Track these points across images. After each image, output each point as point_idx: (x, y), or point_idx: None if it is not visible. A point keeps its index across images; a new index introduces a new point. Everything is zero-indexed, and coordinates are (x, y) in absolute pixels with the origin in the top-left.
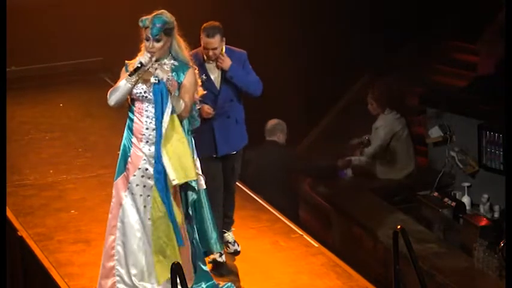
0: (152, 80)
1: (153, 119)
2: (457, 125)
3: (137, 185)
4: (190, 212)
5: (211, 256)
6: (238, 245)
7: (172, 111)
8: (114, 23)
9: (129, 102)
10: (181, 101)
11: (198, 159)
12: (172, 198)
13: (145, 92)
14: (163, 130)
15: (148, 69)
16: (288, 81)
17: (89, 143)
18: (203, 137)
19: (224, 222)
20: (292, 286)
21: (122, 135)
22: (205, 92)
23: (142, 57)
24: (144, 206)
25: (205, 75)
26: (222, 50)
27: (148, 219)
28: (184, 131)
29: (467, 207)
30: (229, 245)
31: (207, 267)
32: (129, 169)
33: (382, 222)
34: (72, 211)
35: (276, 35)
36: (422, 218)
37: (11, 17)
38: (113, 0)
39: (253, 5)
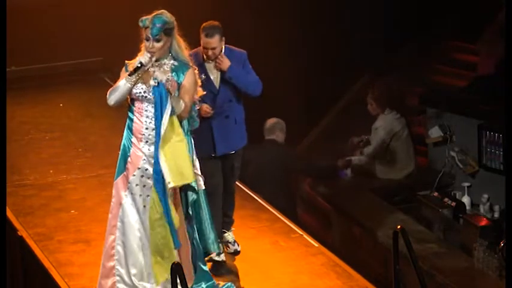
0: (152, 82)
1: (153, 119)
2: (457, 125)
3: (137, 184)
4: (190, 212)
5: (209, 255)
6: (238, 245)
7: (172, 113)
8: (114, 23)
9: (128, 102)
10: (182, 102)
11: (197, 160)
12: (170, 200)
13: (145, 92)
14: (162, 131)
15: (148, 69)
16: (288, 81)
17: (89, 143)
18: (202, 137)
19: (224, 222)
20: (292, 286)
21: (122, 135)
22: (204, 93)
23: (142, 57)
24: (144, 206)
25: (204, 75)
26: (221, 50)
27: (148, 218)
28: (184, 131)
29: (467, 207)
30: (229, 244)
31: (207, 267)
32: (129, 169)
33: (382, 222)
34: (72, 211)
35: (276, 35)
36: (422, 218)
37: (11, 17)
38: (113, 0)
39: (253, 5)
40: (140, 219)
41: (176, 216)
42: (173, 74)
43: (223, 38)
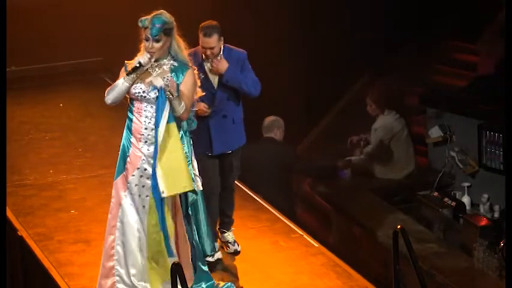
0: (153, 95)
1: (152, 119)
2: (457, 125)
3: (136, 185)
4: (190, 213)
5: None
6: (238, 245)
7: (170, 119)
8: (114, 23)
9: (128, 102)
10: (182, 103)
11: (195, 160)
12: (167, 207)
13: (144, 92)
14: (159, 139)
15: (147, 69)
16: (288, 81)
17: (89, 143)
18: (199, 136)
19: (224, 222)
20: (292, 286)
21: (122, 135)
22: (204, 94)
23: (142, 57)
24: (143, 206)
25: (203, 74)
26: (220, 49)
27: (147, 220)
28: (183, 131)
29: (467, 207)
30: (229, 244)
31: (207, 268)
32: (128, 169)
33: (382, 222)
34: (72, 211)
35: (276, 35)
36: (422, 218)
37: (11, 17)
38: (112, 0)
39: (253, 5)
40: (140, 220)
41: (171, 225)
42: (172, 75)
43: (222, 38)
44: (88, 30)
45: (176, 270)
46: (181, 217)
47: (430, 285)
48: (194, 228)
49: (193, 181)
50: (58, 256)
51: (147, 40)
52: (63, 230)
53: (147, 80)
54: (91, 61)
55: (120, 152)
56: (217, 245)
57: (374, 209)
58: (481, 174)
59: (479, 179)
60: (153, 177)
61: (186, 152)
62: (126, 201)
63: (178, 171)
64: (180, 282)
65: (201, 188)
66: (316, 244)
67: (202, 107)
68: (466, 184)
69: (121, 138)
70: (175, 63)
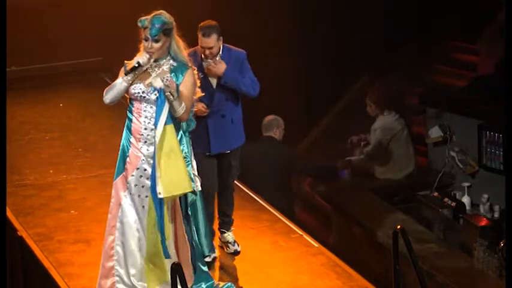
0: (152, 96)
1: (152, 119)
2: (457, 125)
3: (135, 185)
4: (190, 213)
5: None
6: (238, 245)
7: (169, 121)
8: (114, 23)
9: (128, 102)
10: (183, 103)
11: (194, 160)
12: (165, 209)
13: (143, 92)
14: (157, 140)
15: (147, 69)
16: (288, 81)
17: (89, 143)
18: (198, 135)
19: (223, 222)
20: (292, 286)
21: (122, 135)
22: (203, 94)
23: (141, 57)
24: (143, 206)
25: (202, 74)
26: (219, 49)
27: (146, 220)
28: (183, 131)
29: (467, 207)
30: (229, 245)
31: (207, 268)
32: (128, 169)
33: (382, 222)
34: (72, 211)
35: (276, 35)
36: (422, 218)
37: (11, 17)
38: (112, 0)
39: (253, 5)
40: (139, 220)
41: (170, 225)
42: (172, 75)
43: (221, 38)
44: (88, 30)
45: (176, 270)
46: (181, 217)
47: (430, 285)
48: (194, 228)
49: (193, 181)
50: (58, 256)
51: (146, 40)
52: (63, 230)
53: (147, 81)
54: (91, 61)
55: (119, 152)
56: (214, 244)
57: (374, 209)
58: (481, 174)
59: (479, 179)
60: (152, 177)
61: (185, 153)
62: (126, 202)
63: (176, 173)
64: (180, 282)
65: (200, 189)
66: (316, 244)
67: (201, 107)
68: (466, 184)
69: (121, 138)
70: (175, 64)
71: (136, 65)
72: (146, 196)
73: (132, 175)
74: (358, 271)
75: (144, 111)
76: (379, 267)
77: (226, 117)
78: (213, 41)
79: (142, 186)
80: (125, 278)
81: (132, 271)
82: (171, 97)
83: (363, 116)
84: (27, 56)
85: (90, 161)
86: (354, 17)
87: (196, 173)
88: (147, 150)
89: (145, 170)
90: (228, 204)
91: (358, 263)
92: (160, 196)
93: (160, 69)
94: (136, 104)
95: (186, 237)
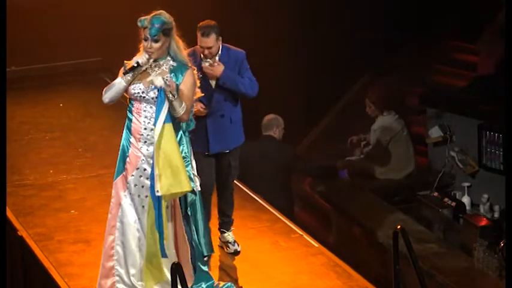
0: (152, 94)
1: (152, 119)
2: (457, 125)
3: (135, 185)
4: (189, 213)
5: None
6: (238, 245)
7: (168, 119)
8: (114, 23)
9: (127, 102)
10: (183, 104)
11: (194, 160)
12: (164, 209)
13: (143, 93)
14: (155, 139)
15: (146, 69)
16: (288, 81)
17: (89, 143)
18: (197, 135)
19: (223, 222)
20: (292, 286)
21: (122, 135)
22: (203, 94)
23: (140, 57)
24: (143, 206)
25: (201, 74)
26: (218, 49)
27: (146, 220)
28: (182, 131)
29: (467, 207)
30: (229, 245)
31: (207, 268)
32: (128, 169)
33: (382, 222)
34: (72, 211)
35: (276, 35)
36: (422, 218)
37: (11, 17)
38: (113, 0)
39: (253, 5)
40: (139, 220)
41: (169, 225)
42: (172, 75)
43: (220, 38)
44: (88, 30)
45: (176, 270)
46: (181, 217)
47: (430, 285)
48: (193, 228)
49: (192, 181)
50: (58, 256)
51: (146, 40)
52: (63, 230)
53: (148, 79)
54: (91, 61)
55: (119, 152)
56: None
57: (374, 209)
58: (481, 174)
59: (479, 179)
60: (151, 176)
61: (185, 153)
62: (126, 201)
63: (175, 172)
64: (180, 282)
65: (200, 189)
66: (316, 244)
67: (200, 107)
68: (466, 184)
69: (121, 138)
70: (174, 64)
71: (136, 65)
72: (146, 196)
73: (132, 175)
74: (358, 271)
75: (144, 111)
76: (379, 267)
77: (225, 117)
78: (212, 41)
79: (142, 186)
80: (125, 278)
81: (132, 271)
82: (172, 97)
83: (362, 116)
84: (27, 56)
85: (90, 161)
86: (354, 17)
87: (195, 173)
88: (147, 150)
89: (145, 170)
90: (228, 204)
91: (358, 263)
92: (158, 194)
93: (160, 69)
94: (136, 104)
95: (186, 238)
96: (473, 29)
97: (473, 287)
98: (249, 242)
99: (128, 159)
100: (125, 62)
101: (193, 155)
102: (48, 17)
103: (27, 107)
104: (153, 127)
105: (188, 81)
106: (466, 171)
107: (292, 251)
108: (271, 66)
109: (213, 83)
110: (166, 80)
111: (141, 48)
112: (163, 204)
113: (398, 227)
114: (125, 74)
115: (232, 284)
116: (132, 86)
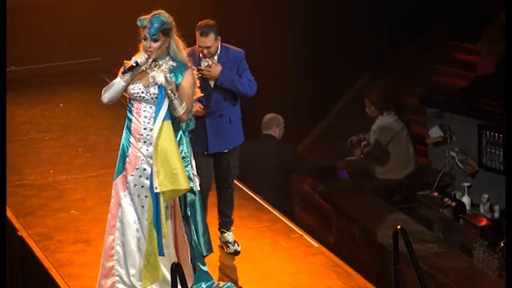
0: (152, 90)
1: (151, 119)
2: (457, 125)
3: (135, 185)
4: (189, 213)
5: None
6: (238, 245)
7: (168, 117)
8: (114, 23)
9: (127, 102)
10: (183, 103)
11: (193, 160)
12: (162, 207)
13: (142, 93)
14: (154, 135)
15: (145, 69)
16: (288, 81)
17: (88, 143)
18: (197, 135)
19: (223, 222)
20: (292, 286)
21: (122, 135)
22: (202, 94)
23: (139, 57)
24: (142, 206)
25: (200, 74)
26: (217, 48)
27: (146, 219)
28: (182, 131)
29: (467, 207)
30: (229, 245)
31: (207, 268)
32: (127, 169)
33: (382, 222)
34: (72, 211)
35: (276, 35)
36: (422, 218)
37: (11, 17)
38: (113, 0)
39: (253, 5)
40: (139, 220)
41: (169, 225)
42: (171, 75)
43: (219, 37)
44: (88, 30)
45: (176, 270)
46: (180, 217)
47: (430, 285)
48: (193, 228)
49: (192, 181)
50: (58, 256)
51: (145, 39)
52: (63, 230)
53: (150, 74)
54: (91, 61)
55: (119, 152)
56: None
57: (374, 209)
58: (481, 174)
59: (479, 179)
60: (151, 176)
61: (185, 153)
62: (126, 201)
63: (173, 169)
64: (180, 282)
65: (199, 189)
66: (316, 244)
67: (198, 107)
68: (466, 184)
69: (121, 138)
70: (174, 64)
71: (134, 65)
72: (146, 196)
73: (132, 175)
74: (358, 271)
75: (144, 111)
76: (379, 267)
77: (224, 117)
78: (210, 41)
79: (142, 186)
80: (125, 278)
81: (132, 271)
82: (172, 95)
83: (362, 116)
84: (27, 56)
85: (90, 161)
86: (354, 17)
87: (195, 173)
88: (147, 150)
89: (144, 169)
90: (227, 204)
91: (358, 263)
92: (156, 190)
93: (160, 69)
94: (136, 104)
95: (186, 238)
96: (473, 29)
97: (473, 287)
98: (249, 242)
99: (127, 159)
100: (125, 61)
101: (193, 155)
102: (48, 17)
103: (27, 107)
104: (152, 127)
105: (188, 81)
106: (466, 171)
107: (292, 251)
108: (271, 66)
109: (211, 83)
110: (167, 77)
111: (141, 48)
112: (162, 201)
113: (398, 227)
114: (123, 73)
115: (232, 284)
116: (131, 86)
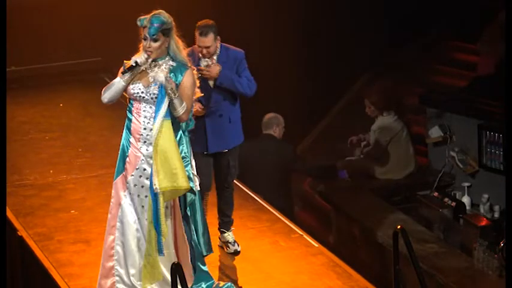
0: (153, 90)
1: (151, 119)
2: (457, 125)
3: (135, 185)
4: (189, 213)
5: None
6: (238, 245)
7: (168, 116)
8: (114, 23)
9: (127, 102)
10: (184, 103)
11: (193, 160)
12: (161, 206)
13: (142, 93)
14: (154, 134)
15: (145, 69)
16: (288, 81)
17: (88, 143)
18: (196, 134)
19: (223, 222)
20: (292, 286)
21: (122, 135)
22: (202, 94)
23: (139, 56)
24: (142, 206)
25: (199, 74)
26: (216, 48)
27: (146, 219)
28: (182, 131)
29: (467, 207)
30: (229, 245)
31: (207, 268)
32: (127, 169)
33: (382, 222)
34: (72, 211)
35: (276, 35)
36: (422, 218)
37: (11, 17)
38: (113, 0)
39: (253, 5)
40: (139, 220)
41: (169, 224)
42: (171, 75)
43: (219, 37)
44: (88, 30)
45: (176, 270)
46: (180, 217)
47: (430, 285)
48: (193, 228)
49: (192, 181)
50: (58, 256)
51: (145, 39)
52: (63, 230)
53: (150, 74)
54: (91, 61)
55: (119, 152)
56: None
57: (374, 209)
58: (481, 174)
59: (479, 179)
60: (151, 176)
61: (185, 153)
62: (126, 201)
63: (173, 168)
64: (180, 282)
65: (199, 188)
66: (316, 244)
67: (198, 107)
68: (466, 184)
69: (121, 138)
70: (174, 64)
71: (134, 64)
72: (146, 196)
73: (132, 175)
74: (358, 271)
75: (144, 111)
76: (379, 267)
77: (223, 117)
78: (210, 40)
79: (142, 186)
80: (125, 278)
81: (132, 271)
82: (172, 94)
83: (362, 116)
84: (27, 56)
85: (90, 161)
86: (354, 17)
87: (195, 173)
88: (147, 150)
89: (144, 169)
90: (227, 204)
91: (358, 263)
92: (155, 188)
93: (160, 69)
94: (135, 104)
95: (186, 238)
96: (473, 29)
97: (473, 287)
98: (249, 242)
99: (127, 159)
100: (124, 61)
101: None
102: (48, 17)
103: (27, 107)
104: (152, 127)
105: (188, 81)
106: (466, 171)
107: (292, 251)
108: (271, 66)
109: (211, 83)
110: (167, 77)
111: (141, 48)
112: (161, 200)
113: (398, 227)
114: (123, 73)
115: (232, 284)
116: (131, 86)
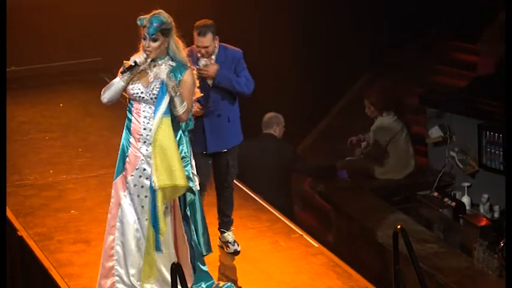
0: (152, 90)
1: (151, 120)
2: (457, 125)
3: (135, 185)
4: (188, 213)
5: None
6: (238, 245)
7: (167, 113)
8: (114, 23)
9: (127, 102)
10: (184, 102)
11: (193, 160)
12: (159, 204)
13: (142, 93)
14: (153, 131)
15: (145, 69)
16: (288, 81)
17: (88, 143)
18: (196, 134)
19: (223, 222)
20: (292, 286)
21: (122, 135)
22: (202, 94)
23: (138, 56)
24: (142, 206)
25: (198, 73)
26: (214, 48)
27: (146, 219)
28: (182, 130)
29: (467, 207)
30: (229, 244)
31: (206, 268)
32: (127, 169)
33: (382, 222)
34: (72, 211)
35: (276, 35)
36: (422, 218)
37: (11, 17)
38: (113, 0)
39: (253, 5)
40: (139, 220)
41: (164, 222)
42: (171, 75)
43: (217, 37)
44: (88, 30)
45: (176, 270)
46: (180, 217)
47: (430, 285)
48: (193, 228)
49: (191, 181)
50: (58, 256)
51: (144, 39)
52: (63, 230)
53: (154, 70)
54: (91, 61)
55: (119, 152)
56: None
57: (374, 209)
58: (481, 174)
59: (479, 179)
60: (151, 176)
61: (185, 152)
62: (126, 201)
63: (172, 166)
64: (180, 282)
65: (199, 188)
66: (316, 244)
67: (196, 107)
68: (466, 184)
69: (121, 138)
70: (173, 64)
71: (133, 64)
72: (146, 196)
73: (132, 175)
74: (358, 271)
75: (143, 111)
76: (379, 267)
77: (222, 116)
78: (208, 40)
79: (142, 187)
80: (125, 278)
81: (132, 271)
82: (173, 92)
83: (362, 116)
84: (27, 56)
85: (90, 161)
86: (354, 17)
87: (195, 173)
88: (147, 150)
89: (144, 170)
90: (227, 203)
91: (358, 263)
92: (154, 184)
93: (159, 69)
94: (135, 104)
95: (185, 238)
96: (473, 29)
97: (473, 287)
98: (249, 242)
99: (127, 159)
100: (124, 61)
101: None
102: (48, 17)
103: (27, 107)
104: (152, 127)
105: (187, 81)
106: (466, 171)
107: (292, 251)
108: (271, 66)
109: (209, 82)
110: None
111: (141, 48)
112: (159, 198)
113: (398, 227)
114: (122, 73)
115: (232, 284)
116: (131, 86)
